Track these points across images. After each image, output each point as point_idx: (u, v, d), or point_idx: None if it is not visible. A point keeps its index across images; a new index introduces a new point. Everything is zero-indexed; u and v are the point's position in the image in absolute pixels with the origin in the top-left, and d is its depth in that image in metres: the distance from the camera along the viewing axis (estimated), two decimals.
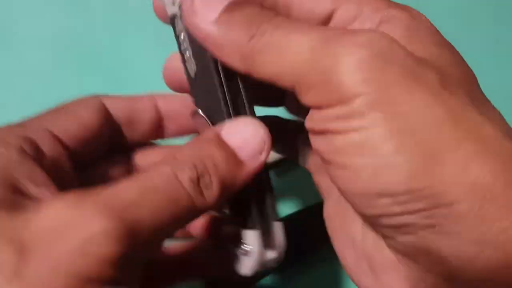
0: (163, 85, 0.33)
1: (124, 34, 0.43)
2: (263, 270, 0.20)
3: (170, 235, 0.17)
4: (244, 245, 0.20)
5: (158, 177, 0.16)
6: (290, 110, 0.23)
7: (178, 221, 0.17)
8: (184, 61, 0.20)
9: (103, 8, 0.45)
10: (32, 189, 0.17)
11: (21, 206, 0.16)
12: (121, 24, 0.44)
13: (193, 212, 0.17)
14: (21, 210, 0.15)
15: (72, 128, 0.20)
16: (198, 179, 0.16)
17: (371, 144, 0.15)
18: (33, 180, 0.17)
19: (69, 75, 0.40)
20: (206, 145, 0.17)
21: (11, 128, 0.19)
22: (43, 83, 0.39)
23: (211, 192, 0.17)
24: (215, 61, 0.18)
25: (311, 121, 0.16)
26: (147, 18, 0.43)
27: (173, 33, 0.20)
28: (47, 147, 0.19)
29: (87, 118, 0.20)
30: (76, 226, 0.14)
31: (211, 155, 0.17)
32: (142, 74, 0.39)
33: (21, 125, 0.19)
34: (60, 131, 0.19)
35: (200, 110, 0.19)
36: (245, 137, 0.18)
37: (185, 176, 0.16)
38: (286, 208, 0.30)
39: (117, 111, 0.21)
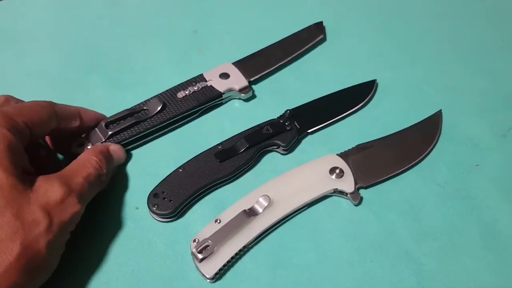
0: (162, 85, 0.40)
1: (127, 36, 0.46)
2: None
3: None
4: None
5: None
6: None
7: None
8: None
9: (108, 10, 0.47)
10: (29, 168, 0.29)
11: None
12: (124, 26, 0.47)
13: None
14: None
15: (36, 121, 0.30)
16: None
17: None
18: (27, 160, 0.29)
19: (74, 76, 0.42)
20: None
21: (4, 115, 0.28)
22: (48, 84, 0.42)
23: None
24: None
25: None
26: (149, 21, 0.47)
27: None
28: (25, 132, 0.29)
29: (46, 116, 0.31)
30: None
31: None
32: (143, 75, 0.43)
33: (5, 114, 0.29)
34: (32, 123, 0.30)
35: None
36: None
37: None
38: None
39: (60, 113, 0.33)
